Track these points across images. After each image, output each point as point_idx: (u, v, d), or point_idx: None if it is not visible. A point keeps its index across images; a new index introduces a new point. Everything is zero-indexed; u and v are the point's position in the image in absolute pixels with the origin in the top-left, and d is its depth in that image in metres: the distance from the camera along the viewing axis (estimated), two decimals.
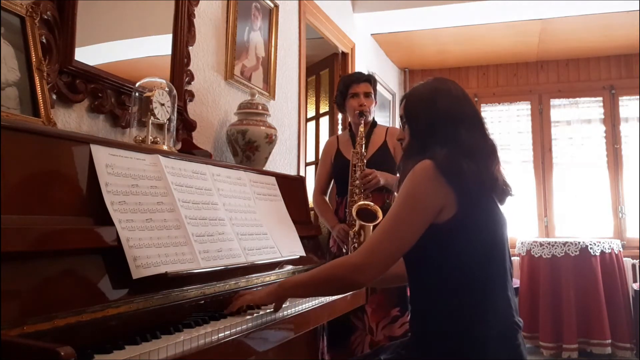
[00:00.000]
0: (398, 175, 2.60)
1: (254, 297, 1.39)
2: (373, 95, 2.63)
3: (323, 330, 2.42)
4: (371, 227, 2.25)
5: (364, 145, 2.49)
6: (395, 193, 2.61)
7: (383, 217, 2.25)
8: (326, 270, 1.37)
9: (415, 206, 1.28)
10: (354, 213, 2.30)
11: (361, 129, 2.50)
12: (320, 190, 2.73)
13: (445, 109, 1.37)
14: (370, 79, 2.65)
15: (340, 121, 4.05)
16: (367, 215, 2.26)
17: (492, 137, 1.41)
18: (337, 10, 3.88)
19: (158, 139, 1.66)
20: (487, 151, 1.36)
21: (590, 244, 4.05)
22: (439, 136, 1.35)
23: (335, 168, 2.67)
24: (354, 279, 1.31)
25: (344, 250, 2.44)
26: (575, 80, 5.27)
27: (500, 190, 1.38)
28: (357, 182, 2.44)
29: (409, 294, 2.46)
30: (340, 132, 3.75)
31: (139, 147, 1.46)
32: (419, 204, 1.28)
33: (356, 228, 2.29)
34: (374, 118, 2.68)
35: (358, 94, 2.60)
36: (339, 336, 2.46)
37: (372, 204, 2.33)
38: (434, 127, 1.37)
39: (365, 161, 2.48)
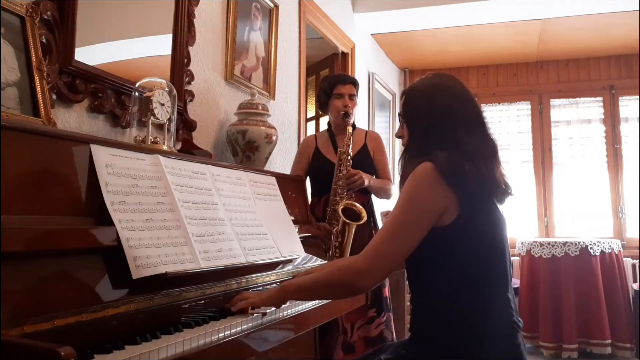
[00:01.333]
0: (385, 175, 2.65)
1: (256, 300, 1.38)
2: (355, 98, 2.68)
3: None
4: (354, 227, 2.25)
5: (350, 146, 2.49)
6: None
7: (367, 218, 2.27)
8: (329, 274, 1.36)
9: (417, 209, 1.27)
10: (339, 211, 2.30)
11: (349, 129, 2.51)
12: None
13: (443, 107, 1.35)
14: (355, 82, 2.70)
15: None
16: (351, 215, 2.27)
17: (493, 137, 1.39)
18: (337, 10, 3.88)
19: (158, 139, 1.66)
20: (488, 153, 1.33)
21: (590, 244, 4.05)
22: (437, 135, 1.33)
23: (314, 167, 2.68)
24: (357, 284, 1.30)
25: (323, 247, 2.44)
26: (575, 80, 5.26)
27: (501, 191, 1.37)
28: (341, 182, 2.44)
29: (385, 295, 2.49)
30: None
31: (139, 147, 1.46)
32: (420, 207, 1.27)
33: (339, 227, 2.29)
34: (354, 121, 2.71)
35: (343, 95, 2.62)
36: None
37: (357, 204, 2.33)
38: (432, 126, 1.35)
39: (351, 161, 2.48)
